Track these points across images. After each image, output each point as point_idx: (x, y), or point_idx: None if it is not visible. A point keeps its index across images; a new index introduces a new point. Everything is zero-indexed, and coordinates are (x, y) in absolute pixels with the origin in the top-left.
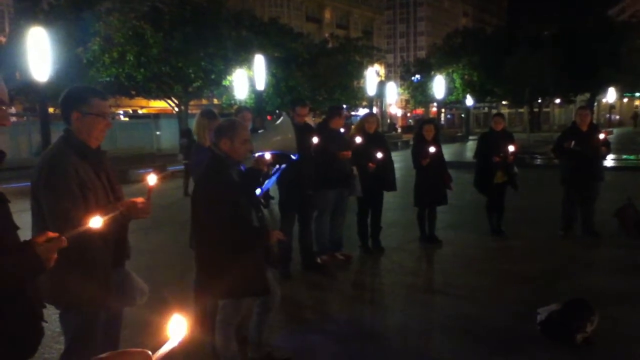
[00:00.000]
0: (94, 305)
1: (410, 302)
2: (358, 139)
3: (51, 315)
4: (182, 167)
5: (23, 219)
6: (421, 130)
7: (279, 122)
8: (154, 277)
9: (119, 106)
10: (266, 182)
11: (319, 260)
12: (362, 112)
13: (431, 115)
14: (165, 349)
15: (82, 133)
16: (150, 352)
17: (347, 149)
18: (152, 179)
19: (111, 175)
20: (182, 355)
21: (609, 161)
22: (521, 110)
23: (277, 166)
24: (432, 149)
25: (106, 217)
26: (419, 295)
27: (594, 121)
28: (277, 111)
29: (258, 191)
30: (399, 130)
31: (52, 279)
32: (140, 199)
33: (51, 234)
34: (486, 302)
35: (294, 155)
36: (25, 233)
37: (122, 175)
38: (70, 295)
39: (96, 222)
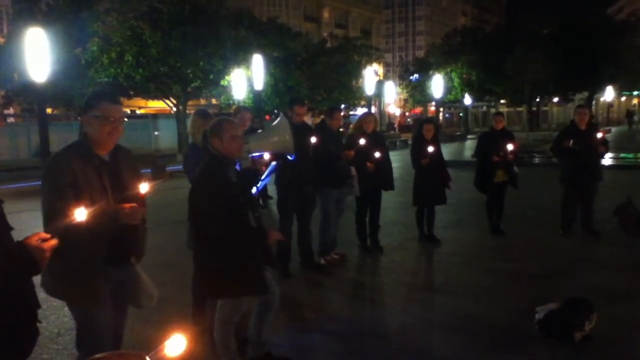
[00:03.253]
0: (80, 304)
1: (410, 301)
2: (362, 141)
3: (48, 316)
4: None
5: (22, 219)
6: (421, 129)
7: (275, 122)
8: (152, 277)
9: None
10: (261, 181)
11: (322, 261)
12: (360, 111)
13: (429, 115)
14: (160, 352)
15: (92, 136)
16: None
17: (344, 149)
18: (144, 188)
19: (123, 177)
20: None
21: (608, 160)
22: (520, 109)
23: (271, 164)
24: (431, 149)
25: (88, 210)
26: (419, 294)
27: (593, 120)
28: (275, 111)
29: (254, 190)
30: (397, 129)
31: (50, 275)
32: (128, 205)
33: (44, 235)
34: (486, 301)
35: (291, 156)
36: (18, 234)
37: None
38: (60, 292)
39: (80, 214)
